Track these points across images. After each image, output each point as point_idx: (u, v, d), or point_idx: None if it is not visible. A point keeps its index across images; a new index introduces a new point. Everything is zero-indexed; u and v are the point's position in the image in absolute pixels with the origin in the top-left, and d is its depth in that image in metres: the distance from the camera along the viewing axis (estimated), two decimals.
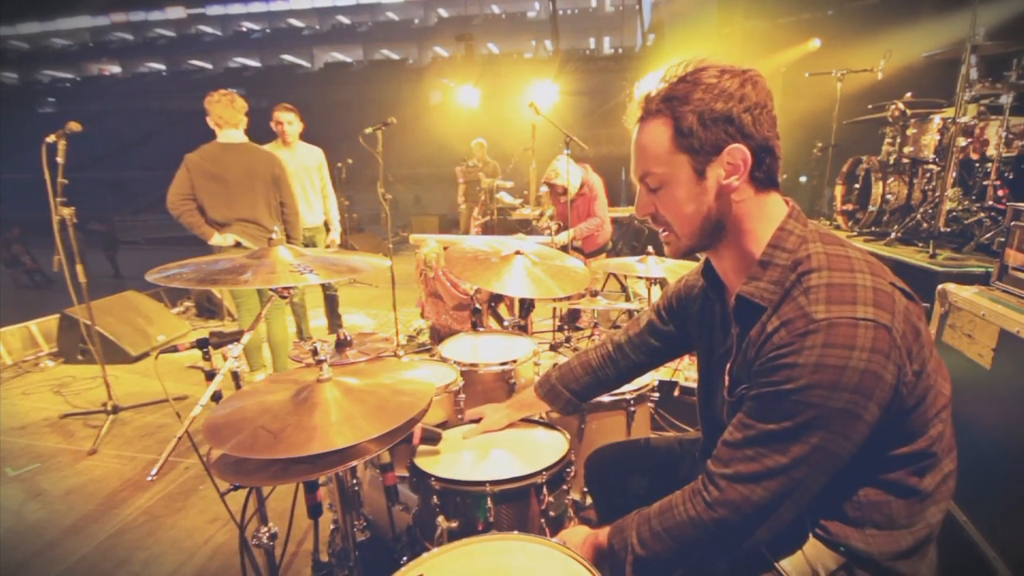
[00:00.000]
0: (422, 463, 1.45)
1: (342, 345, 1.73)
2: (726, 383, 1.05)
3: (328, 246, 4.32)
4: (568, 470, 1.47)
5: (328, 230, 4.34)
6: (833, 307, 0.84)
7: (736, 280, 1.03)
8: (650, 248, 2.48)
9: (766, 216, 0.98)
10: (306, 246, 4.05)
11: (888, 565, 0.96)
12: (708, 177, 0.94)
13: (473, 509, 1.35)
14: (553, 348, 3.95)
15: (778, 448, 0.87)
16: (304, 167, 4.09)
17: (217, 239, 3.28)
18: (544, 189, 8.09)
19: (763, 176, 0.96)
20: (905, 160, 3.72)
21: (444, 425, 1.64)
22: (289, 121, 3.97)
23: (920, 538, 0.97)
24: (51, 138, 2.91)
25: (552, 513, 1.42)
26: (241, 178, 3.28)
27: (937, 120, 3.45)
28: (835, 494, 0.95)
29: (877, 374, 0.82)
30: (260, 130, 4.15)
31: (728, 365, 1.05)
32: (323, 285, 4.49)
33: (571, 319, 4.01)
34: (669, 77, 0.95)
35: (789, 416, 0.86)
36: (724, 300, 1.12)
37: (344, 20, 37.31)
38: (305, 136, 4.20)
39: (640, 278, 2.57)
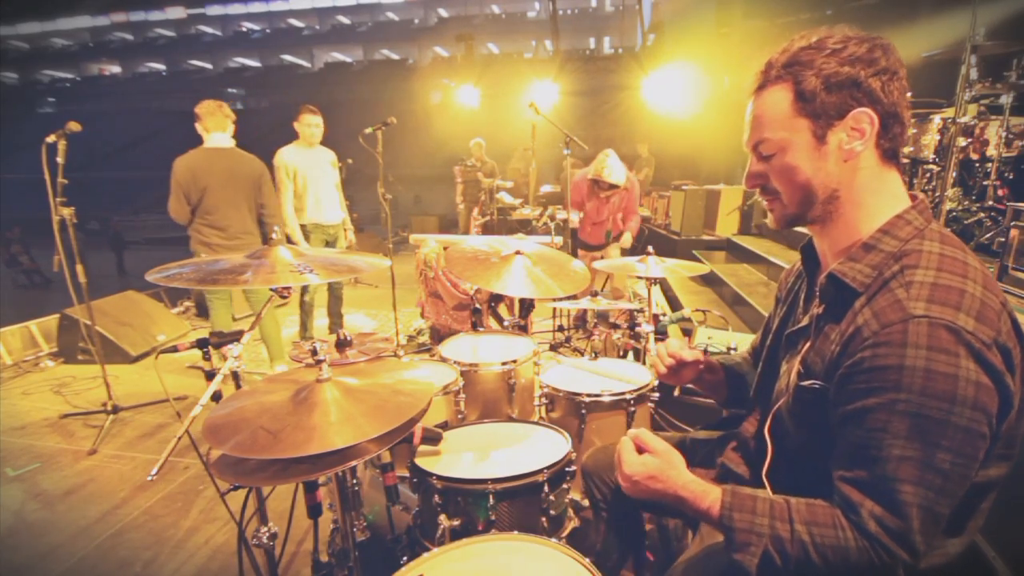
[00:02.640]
0: (423, 463, 1.45)
1: (342, 345, 1.73)
2: (797, 367, 0.99)
3: (349, 246, 4.40)
4: (569, 469, 1.47)
5: (346, 230, 4.42)
6: (934, 307, 0.79)
7: (834, 260, 0.97)
8: (650, 248, 2.48)
9: (885, 192, 0.93)
10: (327, 244, 4.16)
11: None
12: (829, 142, 0.90)
13: (474, 508, 1.35)
14: (553, 348, 3.94)
15: (912, 477, 0.80)
16: (325, 165, 4.17)
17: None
18: (546, 188, 8.07)
19: (889, 146, 0.91)
20: (905, 160, 3.73)
21: (444, 425, 1.64)
22: (318, 124, 4.05)
23: (934, 565, 0.91)
24: (51, 138, 2.91)
25: (552, 512, 1.42)
26: (225, 182, 3.36)
27: (937, 120, 3.46)
28: None
29: (989, 389, 0.78)
30: (261, 130, 4.14)
31: (804, 347, 0.99)
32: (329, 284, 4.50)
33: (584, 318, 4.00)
34: (792, 45, 0.92)
35: (911, 436, 0.79)
36: (814, 278, 1.07)
37: (344, 20, 37.31)
38: None
39: (640, 278, 2.57)
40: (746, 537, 0.90)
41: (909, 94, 0.91)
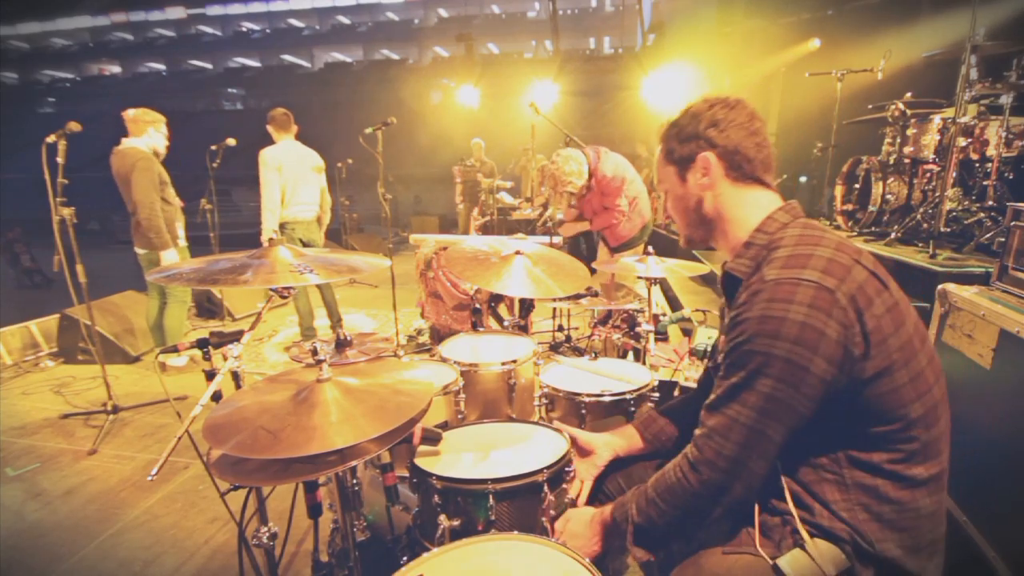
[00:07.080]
0: (423, 463, 1.45)
1: (342, 345, 1.73)
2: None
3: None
4: (568, 469, 1.47)
5: (320, 225, 4.40)
6: (784, 271, 0.98)
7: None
8: (650, 248, 2.48)
9: (751, 205, 1.15)
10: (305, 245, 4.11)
11: (897, 563, 0.97)
12: (688, 180, 1.19)
13: (474, 508, 1.35)
14: (553, 348, 3.94)
15: (739, 399, 0.99)
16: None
17: None
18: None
19: (737, 173, 1.15)
20: (905, 160, 3.73)
21: (444, 425, 1.64)
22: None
23: (928, 538, 1.00)
24: (51, 138, 2.91)
25: (552, 512, 1.42)
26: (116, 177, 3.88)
27: (937, 120, 3.45)
28: (821, 472, 1.02)
29: (818, 329, 0.93)
30: (261, 130, 4.16)
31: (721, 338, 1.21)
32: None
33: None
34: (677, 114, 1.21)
35: (742, 366, 0.98)
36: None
37: (344, 20, 37.27)
38: (304, 137, 4.24)
39: (640, 278, 2.57)
40: (621, 513, 1.17)
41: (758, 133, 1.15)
